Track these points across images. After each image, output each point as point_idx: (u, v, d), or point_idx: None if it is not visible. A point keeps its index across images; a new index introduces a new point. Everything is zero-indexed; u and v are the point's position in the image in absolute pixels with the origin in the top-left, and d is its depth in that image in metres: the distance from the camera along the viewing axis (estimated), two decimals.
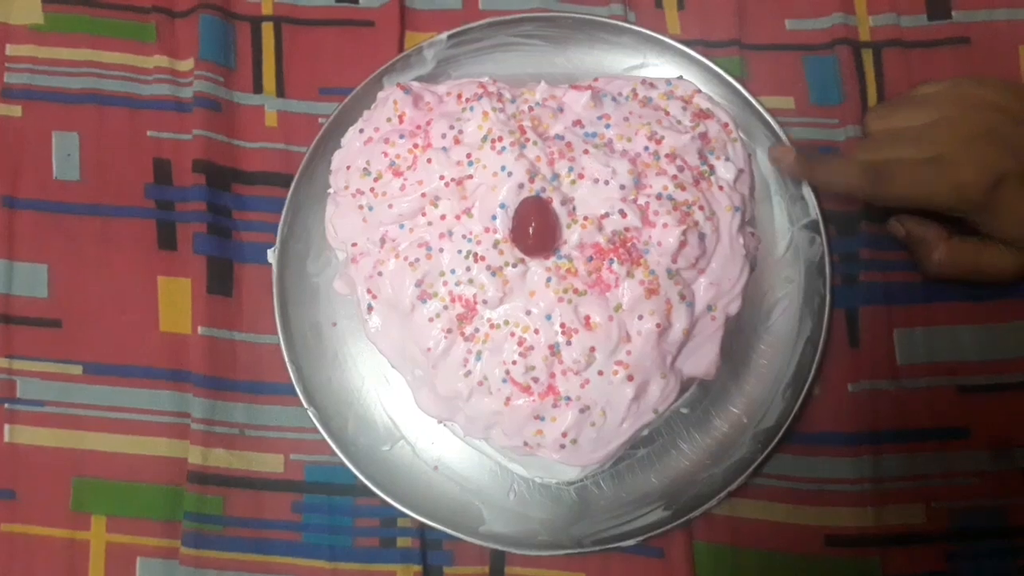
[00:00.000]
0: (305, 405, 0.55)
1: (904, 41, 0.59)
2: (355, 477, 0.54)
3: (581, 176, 0.46)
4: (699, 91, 0.51)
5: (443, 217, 0.47)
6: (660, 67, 0.58)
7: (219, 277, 0.57)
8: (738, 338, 0.55)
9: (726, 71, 0.57)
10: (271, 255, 0.56)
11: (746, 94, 0.57)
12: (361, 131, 0.50)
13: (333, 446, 0.54)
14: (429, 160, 0.46)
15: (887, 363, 0.55)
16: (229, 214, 0.58)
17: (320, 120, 0.58)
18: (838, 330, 0.56)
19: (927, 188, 0.51)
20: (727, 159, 0.49)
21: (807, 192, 0.57)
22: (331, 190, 0.50)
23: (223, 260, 0.57)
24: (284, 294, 0.56)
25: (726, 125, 0.50)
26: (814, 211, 0.56)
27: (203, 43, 0.59)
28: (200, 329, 0.56)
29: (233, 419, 0.56)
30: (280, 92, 0.60)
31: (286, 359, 0.55)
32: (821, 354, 0.54)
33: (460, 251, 0.46)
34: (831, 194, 0.56)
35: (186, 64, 0.60)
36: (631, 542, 0.53)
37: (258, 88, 0.60)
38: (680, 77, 0.53)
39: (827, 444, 0.55)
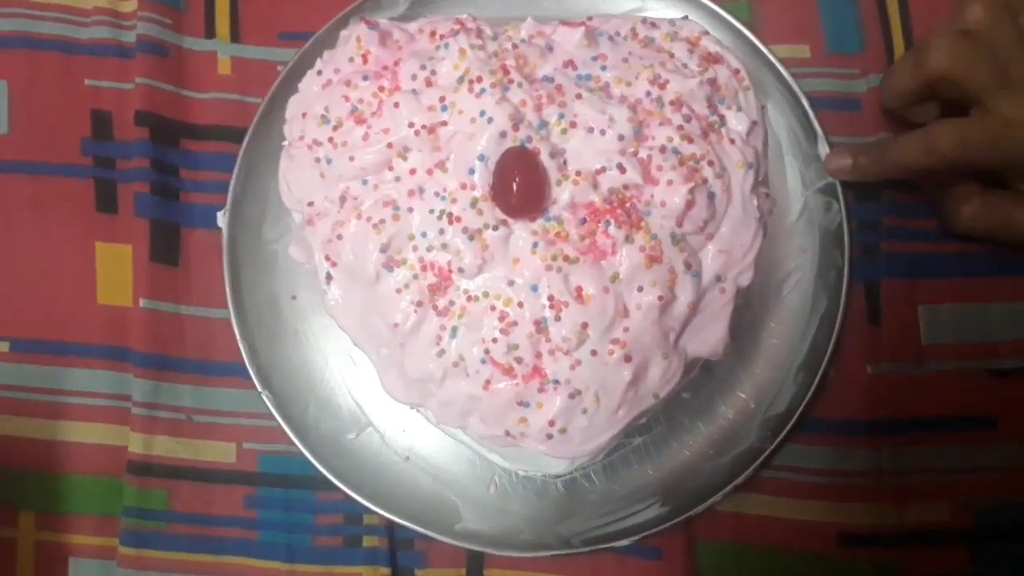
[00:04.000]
0: (259, 388, 0.51)
1: None
2: (315, 468, 0.50)
3: (573, 124, 0.43)
4: (707, 32, 0.47)
5: (412, 171, 0.43)
6: (660, 12, 0.55)
7: (164, 243, 0.54)
8: (746, 314, 0.52)
9: (733, 16, 0.54)
10: (221, 218, 0.53)
11: (756, 41, 0.54)
12: (319, 73, 0.46)
13: (290, 434, 0.51)
14: (396, 105, 0.43)
15: (911, 343, 0.52)
16: (176, 172, 0.55)
17: (279, 68, 0.55)
18: (856, 306, 0.53)
19: (1005, 145, 0.47)
20: (739, 109, 0.45)
21: (823, 151, 0.53)
22: (285, 142, 0.47)
23: (169, 224, 0.54)
24: (236, 262, 0.53)
25: (737, 71, 0.46)
26: None
27: None
28: (142, 301, 0.53)
29: (179, 403, 0.53)
30: (235, 37, 0.57)
31: (238, 336, 0.52)
32: (838, 333, 0.51)
33: (432, 211, 0.42)
34: (905, 178, 0.52)
35: (129, 5, 0.57)
36: (625, 542, 0.50)
37: (210, 32, 0.57)
38: (685, 17, 0.49)
39: (843, 433, 0.52)
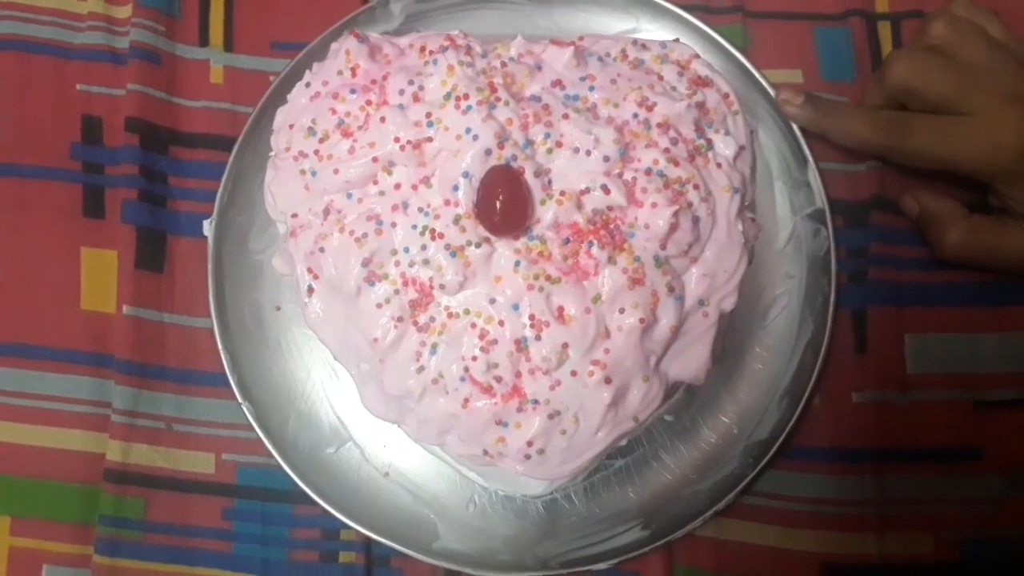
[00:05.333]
0: (240, 399, 0.51)
1: (925, 12, 0.55)
2: (293, 482, 0.50)
3: (559, 144, 0.43)
4: (697, 56, 0.47)
5: (397, 186, 0.43)
6: (654, 33, 0.55)
7: (150, 250, 0.53)
8: (731, 339, 0.52)
9: (727, 40, 0.54)
10: (207, 227, 0.52)
11: (749, 66, 0.54)
12: (308, 85, 0.46)
13: (269, 446, 0.50)
14: (383, 119, 0.43)
15: (896, 372, 0.52)
16: (164, 180, 0.55)
17: (271, 78, 0.55)
18: (843, 333, 0.52)
19: (953, 146, 0.48)
20: (727, 133, 0.45)
21: (813, 177, 0.53)
22: (272, 152, 0.47)
23: (155, 231, 0.54)
24: (220, 271, 0.52)
25: (727, 95, 0.46)
26: (820, 199, 0.52)
27: None
28: (125, 308, 0.52)
29: (159, 411, 0.52)
30: (228, 46, 0.56)
31: (220, 346, 0.51)
32: (823, 360, 0.51)
33: (415, 226, 0.42)
34: (841, 147, 0.52)
35: (123, 11, 0.56)
36: (603, 565, 0.49)
37: (204, 40, 0.56)
38: (676, 40, 0.49)
39: (826, 460, 0.51)
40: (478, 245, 0.41)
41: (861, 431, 0.51)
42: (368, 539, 0.50)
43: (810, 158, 0.52)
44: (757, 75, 0.53)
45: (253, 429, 0.50)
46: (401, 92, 0.43)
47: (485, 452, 0.42)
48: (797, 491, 0.51)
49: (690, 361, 0.44)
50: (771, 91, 0.53)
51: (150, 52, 0.55)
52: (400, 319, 0.42)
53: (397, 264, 0.42)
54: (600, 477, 0.51)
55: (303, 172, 0.44)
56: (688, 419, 0.51)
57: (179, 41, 0.56)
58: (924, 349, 0.52)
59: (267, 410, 0.51)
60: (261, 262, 0.53)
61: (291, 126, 0.45)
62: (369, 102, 0.44)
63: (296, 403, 0.52)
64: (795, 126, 0.53)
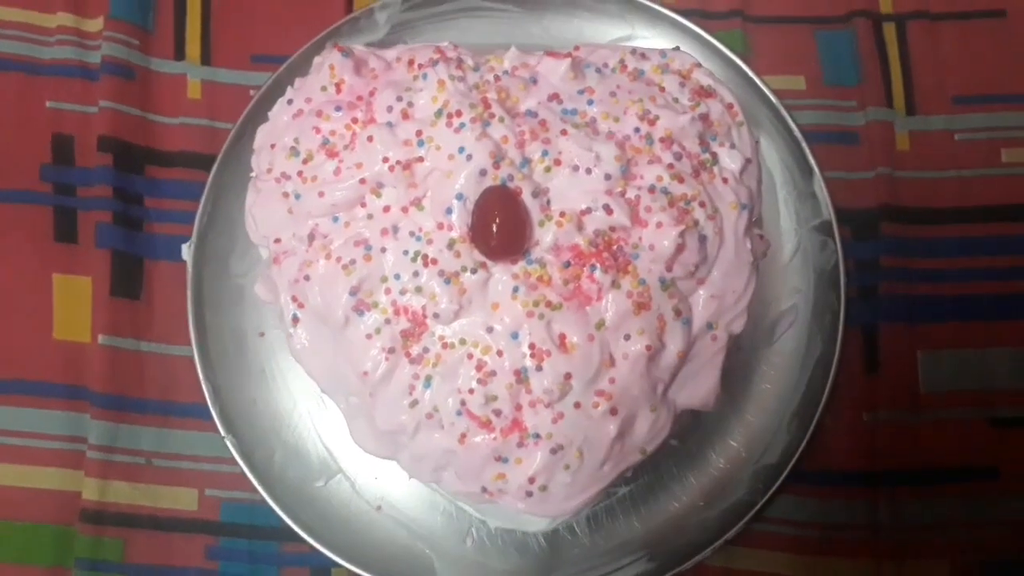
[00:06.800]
0: (222, 432, 0.49)
1: (931, 13, 0.55)
2: (280, 518, 0.48)
3: (558, 162, 0.41)
4: (699, 65, 0.46)
5: (386, 209, 0.42)
6: (651, 40, 0.54)
7: (126, 276, 0.52)
8: (737, 358, 0.49)
9: (727, 46, 0.53)
10: (186, 250, 0.51)
11: (749, 72, 0.53)
12: (290, 102, 0.44)
13: (254, 481, 0.49)
14: (370, 138, 0.42)
15: (909, 391, 0.51)
16: (140, 201, 0.53)
17: (251, 92, 0.53)
18: (853, 351, 0.51)
19: None
20: (732, 146, 0.44)
21: (819, 188, 0.51)
22: (253, 173, 0.45)
23: (131, 256, 0.52)
24: (200, 297, 0.51)
25: (731, 106, 0.45)
26: (827, 210, 0.51)
27: None
28: (101, 337, 0.51)
29: (138, 446, 0.51)
30: (206, 59, 0.55)
31: (201, 376, 0.50)
32: (833, 379, 0.49)
33: (407, 252, 0.41)
34: None
35: (94, 24, 0.55)
36: None
37: (180, 54, 0.55)
38: (677, 48, 0.48)
39: (838, 484, 0.50)
40: (474, 271, 0.40)
41: (873, 452, 0.50)
42: None
43: (815, 168, 0.51)
44: (758, 81, 0.52)
45: (237, 463, 0.49)
46: (389, 109, 0.42)
47: (484, 489, 0.41)
48: (809, 516, 0.50)
49: (699, 387, 0.42)
50: (773, 99, 0.52)
51: (123, 67, 0.54)
52: (391, 350, 0.40)
53: (388, 292, 0.41)
54: (604, 506, 0.49)
55: (286, 195, 0.43)
56: (694, 443, 0.50)
57: (154, 55, 0.55)
58: (937, 366, 0.51)
59: (252, 442, 0.49)
60: (243, 286, 0.51)
61: (272, 146, 0.44)
62: (355, 120, 0.43)
63: (282, 434, 0.50)
64: (799, 134, 0.51)
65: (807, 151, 0.51)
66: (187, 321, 0.50)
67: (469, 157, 0.40)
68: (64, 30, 0.54)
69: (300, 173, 0.42)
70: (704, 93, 0.44)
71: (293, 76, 0.48)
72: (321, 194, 0.41)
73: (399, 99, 0.42)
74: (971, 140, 0.53)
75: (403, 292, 0.40)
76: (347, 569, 0.48)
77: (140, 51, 0.54)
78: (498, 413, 0.40)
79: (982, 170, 0.52)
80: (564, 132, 0.41)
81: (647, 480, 0.49)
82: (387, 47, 0.49)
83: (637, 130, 0.42)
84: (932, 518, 0.50)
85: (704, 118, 0.43)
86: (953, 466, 0.50)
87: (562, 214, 0.40)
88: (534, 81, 0.43)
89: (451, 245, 0.40)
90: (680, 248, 0.40)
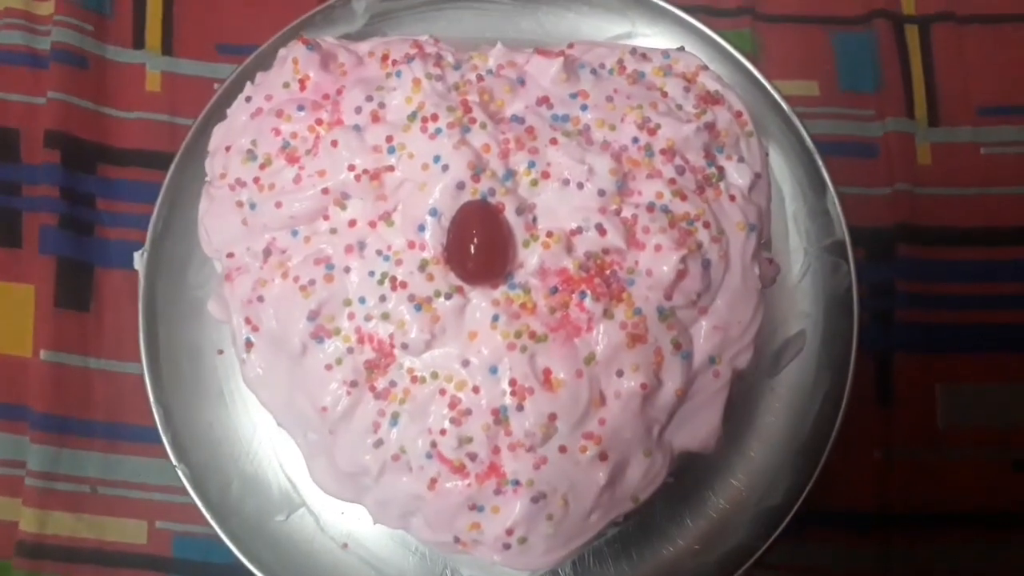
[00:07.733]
0: (174, 460, 0.46)
1: (958, 15, 0.54)
2: (236, 556, 0.46)
3: (545, 175, 0.39)
4: (705, 67, 0.43)
5: (351, 224, 0.39)
6: (652, 38, 0.51)
7: (73, 285, 0.51)
8: (739, 388, 0.47)
9: (734, 46, 0.50)
10: (139, 259, 0.48)
11: (759, 76, 0.50)
12: (248, 99, 0.41)
13: (207, 516, 0.46)
14: (335, 143, 0.39)
15: (925, 427, 0.50)
16: (91, 203, 0.52)
17: (215, 86, 0.51)
18: (865, 382, 0.50)
19: None
20: (740, 159, 0.42)
21: (833, 205, 0.49)
22: (207, 178, 0.43)
23: (79, 263, 0.51)
24: (153, 310, 0.48)
25: (740, 114, 0.43)
26: (840, 229, 0.49)
27: None
28: (43, 353, 0.50)
29: (83, 472, 0.49)
30: (167, 48, 0.54)
31: (151, 397, 0.47)
32: (844, 413, 0.47)
33: (373, 273, 0.39)
34: None
35: (45, 7, 0.54)
36: None
37: (139, 42, 0.54)
38: (681, 48, 0.45)
39: (847, 527, 0.49)
40: (448, 296, 0.38)
41: (885, 493, 0.49)
42: None
43: (829, 183, 0.49)
44: (768, 86, 0.50)
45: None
46: (358, 110, 0.40)
47: (457, 539, 0.38)
48: (815, 561, 0.50)
49: (699, 428, 0.40)
50: (784, 106, 0.49)
51: (75, 54, 0.52)
52: (354, 383, 0.38)
53: (351, 317, 0.38)
54: (591, 549, 0.46)
55: (240, 204, 0.40)
56: (691, 481, 0.47)
57: (110, 42, 0.54)
58: (958, 401, 0.51)
59: (207, 472, 0.47)
60: (201, 299, 0.48)
61: (228, 148, 0.41)
62: (319, 121, 0.40)
63: (240, 463, 0.48)
64: (811, 145, 0.49)
65: (820, 164, 0.49)
66: (138, 335, 0.47)
67: (445, 168, 0.38)
68: (11, 12, 0.53)
69: (257, 180, 0.40)
70: (711, 99, 0.42)
71: (260, 68, 0.45)
72: (279, 204, 0.39)
73: (369, 99, 0.40)
74: (998, 154, 0.52)
75: (368, 318, 0.38)
76: None
77: (94, 38, 0.53)
78: (473, 457, 0.37)
79: (1010, 188, 0.51)
80: (554, 141, 0.39)
81: (639, 522, 0.47)
82: (363, 40, 0.47)
83: (635, 140, 0.40)
84: (947, 567, 0.49)
85: (710, 128, 0.41)
86: (972, 511, 0.49)
87: (549, 234, 0.38)
88: (521, 82, 0.41)
89: (423, 267, 0.38)
90: (681, 274, 0.38)
